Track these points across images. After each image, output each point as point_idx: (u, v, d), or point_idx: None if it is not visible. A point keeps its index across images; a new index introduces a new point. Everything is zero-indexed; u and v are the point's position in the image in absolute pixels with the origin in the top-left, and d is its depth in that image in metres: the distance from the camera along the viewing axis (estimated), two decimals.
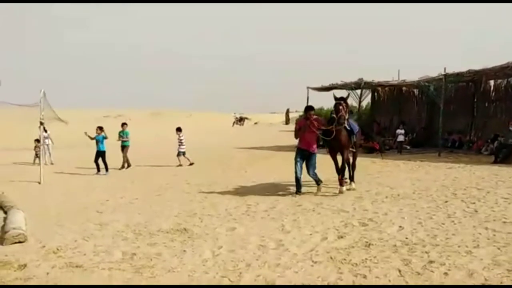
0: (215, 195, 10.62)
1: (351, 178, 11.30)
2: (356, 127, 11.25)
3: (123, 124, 17.64)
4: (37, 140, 18.33)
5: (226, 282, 5.16)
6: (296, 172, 10.38)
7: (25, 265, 5.78)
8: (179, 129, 17.75)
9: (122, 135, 17.05)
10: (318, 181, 10.65)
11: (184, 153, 17.46)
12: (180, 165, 17.05)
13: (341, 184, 10.67)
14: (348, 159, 10.99)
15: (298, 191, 10.39)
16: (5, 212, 8.91)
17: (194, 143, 21.04)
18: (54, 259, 6.11)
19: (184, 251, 6.38)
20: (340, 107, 10.26)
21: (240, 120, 61.05)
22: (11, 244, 6.81)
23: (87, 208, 9.57)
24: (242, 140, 29.47)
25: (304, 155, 10.43)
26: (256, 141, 27.24)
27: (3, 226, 7.70)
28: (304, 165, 10.51)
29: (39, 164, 16.41)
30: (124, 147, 16.91)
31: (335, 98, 10.62)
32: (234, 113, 63.04)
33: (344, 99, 10.53)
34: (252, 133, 40.51)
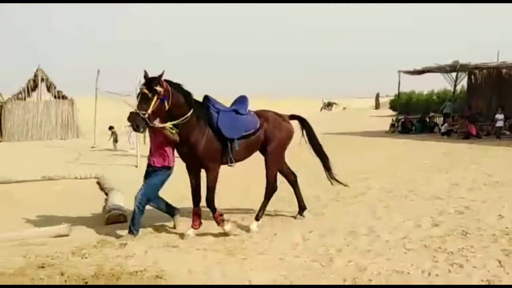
0: (302, 181, 10.55)
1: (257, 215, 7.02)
2: (243, 126, 6.69)
3: None
4: (111, 127, 19.84)
5: (317, 266, 5.17)
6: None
7: (125, 244, 6.11)
8: None
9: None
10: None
11: None
12: None
13: (193, 223, 6.64)
14: (210, 181, 6.72)
15: (131, 231, 6.41)
16: (106, 194, 9.47)
17: None
18: (151, 239, 6.42)
19: (275, 234, 6.46)
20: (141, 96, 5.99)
21: (328, 105, 60.23)
22: (112, 223, 7.25)
23: (180, 189, 9.87)
24: (331, 126, 29.02)
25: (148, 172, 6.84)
26: (345, 127, 26.69)
27: (104, 207, 8.20)
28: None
29: (115, 148, 17.88)
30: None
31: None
32: (323, 98, 62.29)
33: (149, 83, 5.97)
34: (341, 118, 39.73)
